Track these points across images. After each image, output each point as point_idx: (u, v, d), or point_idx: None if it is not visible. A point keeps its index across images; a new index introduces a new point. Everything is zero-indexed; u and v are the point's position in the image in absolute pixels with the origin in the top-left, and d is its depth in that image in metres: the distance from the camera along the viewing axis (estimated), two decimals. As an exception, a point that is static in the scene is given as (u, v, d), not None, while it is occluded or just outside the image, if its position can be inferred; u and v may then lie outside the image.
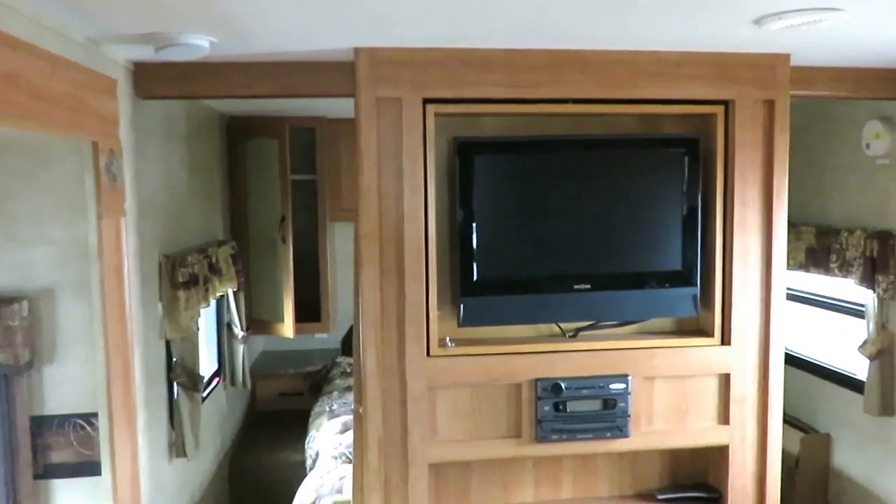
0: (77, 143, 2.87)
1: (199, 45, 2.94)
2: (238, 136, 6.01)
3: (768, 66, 3.49)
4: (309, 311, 6.30)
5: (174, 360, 4.14)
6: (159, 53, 2.98)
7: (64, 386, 3.00)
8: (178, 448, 4.20)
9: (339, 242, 6.90)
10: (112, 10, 2.59)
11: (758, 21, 2.77)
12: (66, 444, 3.01)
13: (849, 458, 4.89)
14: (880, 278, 4.24)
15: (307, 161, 6.26)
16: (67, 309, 2.97)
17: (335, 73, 3.46)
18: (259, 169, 6.03)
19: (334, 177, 6.35)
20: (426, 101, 3.35)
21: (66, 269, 2.94)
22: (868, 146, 4.38)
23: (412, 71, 3.31)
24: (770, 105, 3.54)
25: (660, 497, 3.85)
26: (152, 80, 3.50)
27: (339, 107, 4.41)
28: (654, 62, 3.40)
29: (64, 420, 3.01)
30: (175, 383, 4.16)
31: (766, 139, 3.56)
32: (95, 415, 3.02)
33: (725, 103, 3.55)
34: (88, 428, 3.01)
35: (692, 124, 3.67)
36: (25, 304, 2.87)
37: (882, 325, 4.34)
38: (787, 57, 3.49)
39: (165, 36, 2.89)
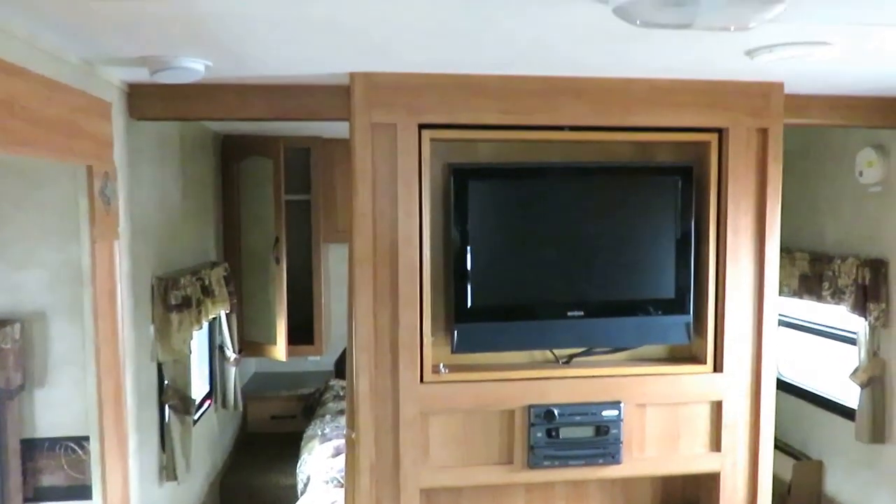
0: (71, 167, 2.87)
1: (195, 68, 2.95)
2: (232, 155, 5.99)
3: (762, 95, 3.51)
4: (302, 332, 6.26)
5: (166, 382, 4.12)
6: (155, 76, 2.98)
7: (55, 409, 2.99)
8: (168, 471, 4.17)
9: (333, 263, 6.88)
10: (108, 34, 2.59)
11: (750, 53, 2.79)
12: (57, 468, 3.00)
13: (840, 485, 4.88)
14: (872, 306, 4.25)
15: (302, 180, 6.25)
16: (59, 332, 2.96)
17: (330, 97, 3.46)
18: (253, 188, 6.00)
19: (329, 197, 6.33)
20: (421, 127, 3.36)
21: (58, 292, 2.94)
22: (861, 174, 4.39)
23: (408, 96, 3.32)
24: (763, 133, 3.56)
25: (652, 524, 3.85)
26: (147, 101, 3.49)
27: (334, 126, 4.42)
28: (648, 89, 3.42)
29: (55, 443, 3.00)
30: (166, 406, 4.14)
31: (760, 167, 3.58)
32: (87, 438, 3.01)
33: (719, 131, 3.56)
34: (79, 451, 3.00)
35: (686, 152, 3.68)
36: (18, 326, 2.86)
37: (873, 353, 4.34)
38: (780, 85, 3.51)
39: (161, 59, 2.89)
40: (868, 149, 4.33)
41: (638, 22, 2.20)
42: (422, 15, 2.38)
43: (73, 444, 3.00)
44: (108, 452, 3.05)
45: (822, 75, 3.30)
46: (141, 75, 3.12)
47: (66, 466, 3.00)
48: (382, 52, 2.93)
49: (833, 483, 4.95)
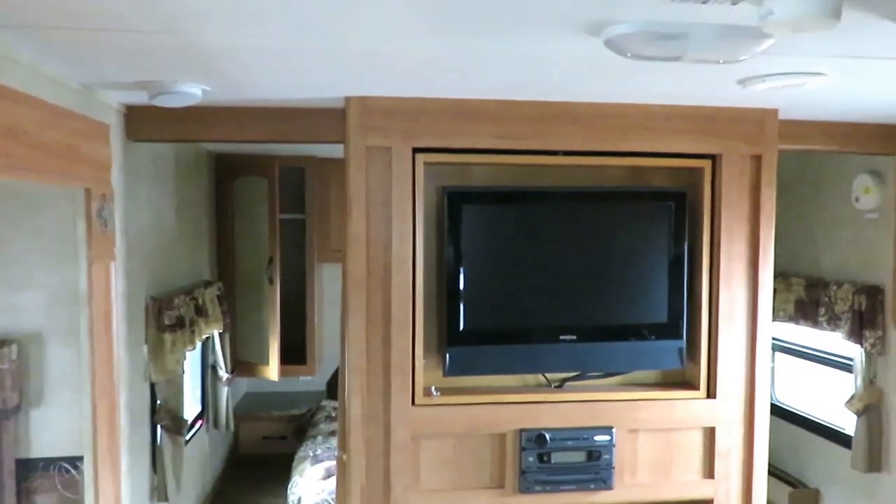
0: (70, 189, 2.88)
1: (193, 93, 2.97)
2: (227, 174, 5.99)
3: (756, 121, 3.52)
4: (294, 352, 6.24)
5: (158, 402, 4.12)
6: (153, 100, 3.01)
7: (50, 429, 3.00)
8: (159, 492, 4.17)
9: (326, 283, 6.86)
10: (110, 62, 2.62)
11: (742, 82, 2.81)
12: (51, 488, 3.00)
13: (836, 514, 4.86)
14: (868, 333, 4.23)
15: (296, 200, 6.25)
16: (56, 353, 2.97)
17: (326, 120, 3.48)
18: (248, 208, 6.01)
19: (323, 216, 6.32)
20: (416, 151, 3.37)
21: (55, 314, 2.95)
22: (857, 200, 4.38)
23: (402, 120, 3.33)
24: (757, 160, 3.57)
25: (642, 551, 3.83)
26: (144, 123, 3.51)
27: (329, 146, 4.43)
28: (643, 115, 3.44)
29: (49, 463, 3.00)
30: (158, 426, 4.13)
31: (753, 193, 3.59)
32: (81, 458, 3.01)
33: (713, 157, 3.58)
34: (73, 471, 3.00)
35: (680, 177, 3.69)
36: (14, 347, 2.87)
37: (869, 381, 4.31)
38: (774, 112, 3.52)
39: (160, 84, 2.92)
40: (864, 175, 4.31)
41: (628, 55, 2.22)
42: (417, 45, 2.40)
43: (67, 465, 3.00)
44: (101, 473, 3.05)
45: (817, 102, 3.31)
46: (139, 98, 3.15)
47: (59, 487, 3.00)
48: (378, 78, 2.95)
49: (829, 512, 4.93)
